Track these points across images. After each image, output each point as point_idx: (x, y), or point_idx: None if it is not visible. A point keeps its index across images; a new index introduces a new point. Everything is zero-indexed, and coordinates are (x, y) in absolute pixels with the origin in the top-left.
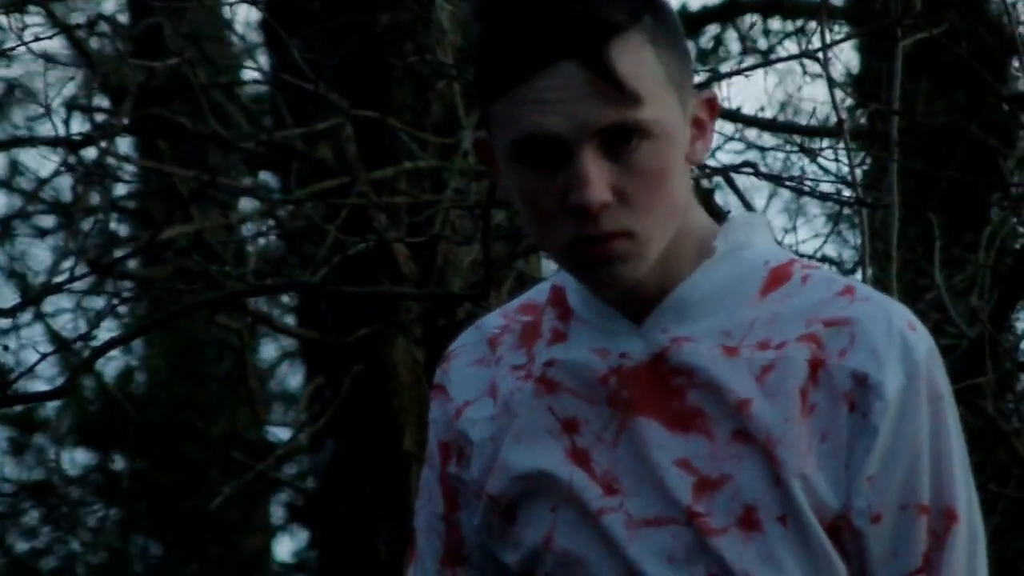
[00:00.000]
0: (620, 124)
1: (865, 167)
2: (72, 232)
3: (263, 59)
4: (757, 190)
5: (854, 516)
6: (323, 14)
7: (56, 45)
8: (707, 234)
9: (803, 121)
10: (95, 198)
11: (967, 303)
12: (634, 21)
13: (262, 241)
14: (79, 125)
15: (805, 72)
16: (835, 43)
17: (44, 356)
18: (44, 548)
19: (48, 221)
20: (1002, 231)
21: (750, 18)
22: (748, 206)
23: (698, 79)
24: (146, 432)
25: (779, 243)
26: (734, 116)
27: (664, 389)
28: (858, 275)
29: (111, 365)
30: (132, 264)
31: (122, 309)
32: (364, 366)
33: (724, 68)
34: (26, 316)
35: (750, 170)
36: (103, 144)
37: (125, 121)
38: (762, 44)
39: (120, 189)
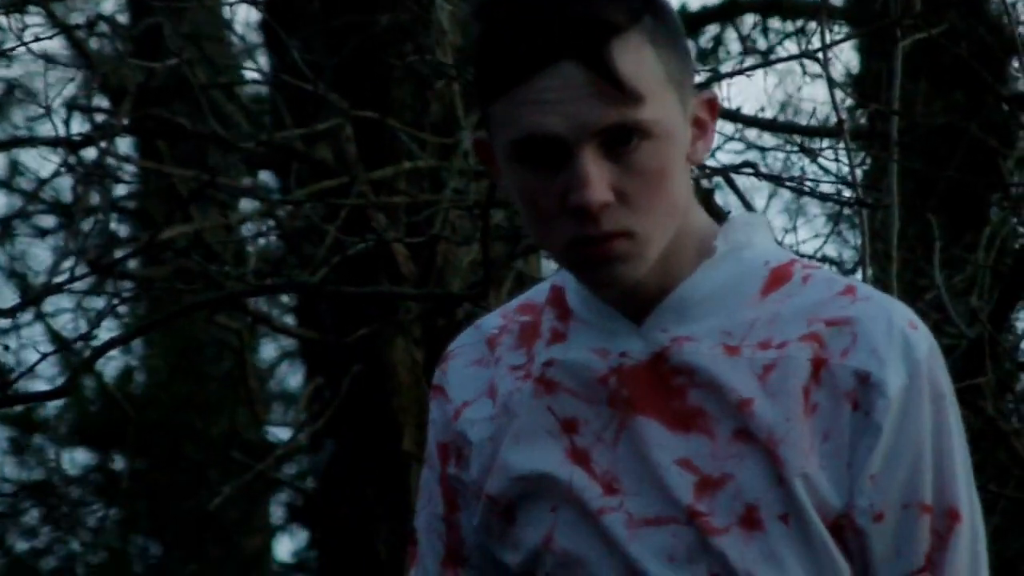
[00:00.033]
0: (620, 124)
1: (865, 167)
2: (72, 232)
3: (263, 59)
4: (757, 190)
5: (857, 515)
6: (323, 14)
7: (56, 45)
8: (707, 234)
9: (803, 121)
10: (95, 198)
11: (967, 303)
12: (634, 21)
13: (262, 241)
14: (79, 125)
15: (805, 72)
16: (835, 43)
17: (44, 356)
18: (44, 548)
19: (48, 221)
20: (1002, 231)
21: (750, 18)
22: (748, 206)
23: (698, 79)
24: (146, 432)
25: (779, 243)
26: (734, 116)
27: (664, 389)
28: (858, 275)
29: (111, 365)
30: (132, 264)
31: (122, 309)
32: (363, 366)
33: (724, 68)
34: (26, 316)
35: (750, 170)
36: (103, 144)
37: (125, 121)
38: (762, 44)
39: (120, 189)
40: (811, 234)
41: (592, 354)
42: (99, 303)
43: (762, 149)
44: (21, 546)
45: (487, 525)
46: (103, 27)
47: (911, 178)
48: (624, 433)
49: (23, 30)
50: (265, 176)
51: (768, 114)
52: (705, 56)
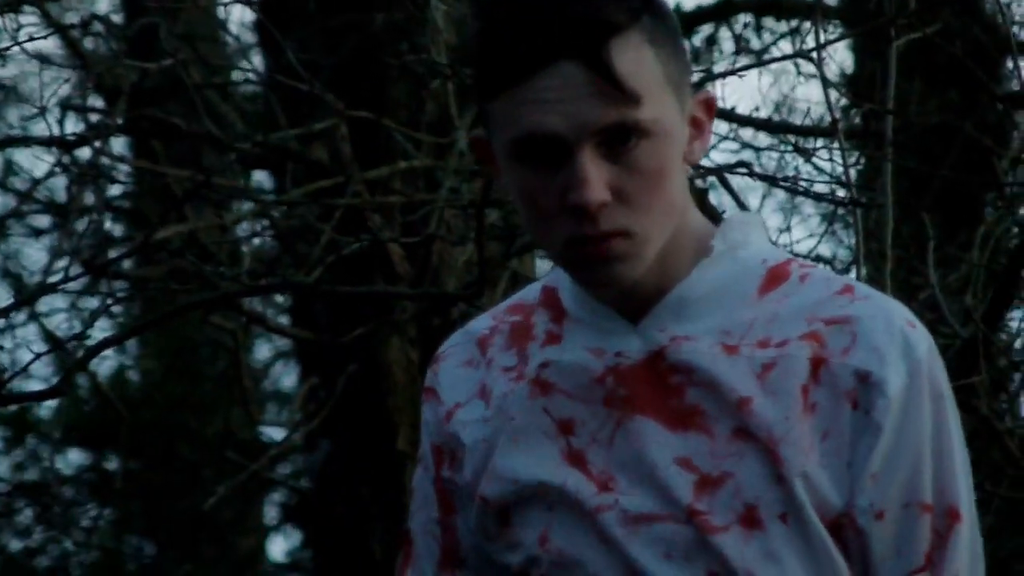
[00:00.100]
0: (619, 124)
1: (859, 167)
2: (66, 232)
3: (258, 59)
4: (752, 190)
5: (857, 514)
6: (318, 14)
7: (50, 45)
8: (704, 234)
9: (797, 121)
10: (89, 198)
11: (961, 302)
12: (633, 21)
13: (256, 241)
14: (73, 125)
15: (799, 72)
16: (829, 43)
17: (38, 356)
18: (38, 547)
19: (42, 221)
20: (996, 230)
21: (744, 18)
22: (742, 206)
23: (693, 79)
24: (140, 432)
25: (774, 243)
26: (729, 116)
27: (662, 388)
28: (852, 274)
29: (105, 365)
30: (126, 264)
31: (116, 309)
32: (359, 366)
33: (718, 68)
34: (20, 316)
35: (744, 170)
36: (97, 144)
37: (119, 121)
38: (756, 44)
39: (114, 189)
40: (805, 233)
41: (588, 354)
42: (93, 303)
43: (756, 149)
44: (15, 545)
45: (482, 527)
46: (97, 27)
47: (905, 177)
48: (620, 432)
49: (18, 30)
50: (260, 176)
51: (762, 114)
52: (699, 56)
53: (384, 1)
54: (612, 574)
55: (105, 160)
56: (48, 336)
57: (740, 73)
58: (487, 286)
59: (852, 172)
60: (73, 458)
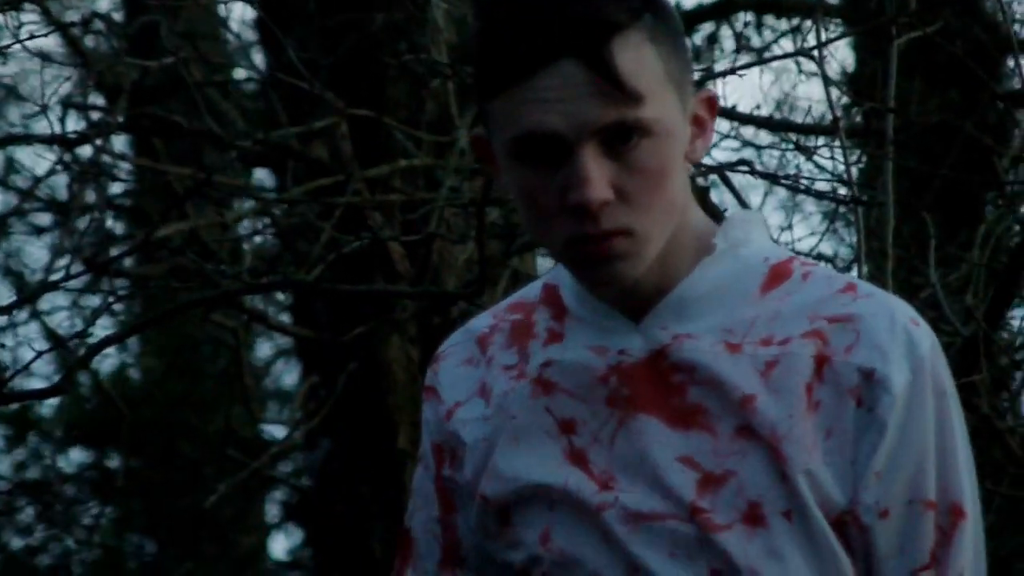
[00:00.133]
0: (620, 122)
1: (860, 165)
2: (68, 230)
3: (259, 58)
4: (753, 188)
5: (861, 512)
6: (318, 13)
7: (51, 43)
8: (705, 232)
9: (799, 119)
10: (91, 196)
11: (962, 301)
12: (634, 20)
13: (257, 239)
14: (74, 123)
15: (800, 70)
16: (830, 41)
17: (40, 354)
18: (39, 546)
19: (44, 219)
20: (997, 229)
21: (745, 16)
22: (744, 204)
23: (694, 77)
24: (141, 430)
25: (775, 241)
26: (730, 114)
27: (664, 386)
28: (854, 272)
29: (106, 363)
30: (128, 262)
31: (118, 307)
32: (359, 364)
33: (719, 66)
34: (22, 314)
35: (746, 168)
36: (98, 142)
37: (120, 119)
38: (757, 42)
39: (116, 187)
40: (807, 232)
41: (590, 352)
42: (95, 301)
43: (758, 147)
44: (16, 543)
45: (483, 526)
46: (99, 25)
47: (906, 176)
48: (622, 431)
49: (19, 27)
50: (261, 174)
51: (764, 112)
52: (700, 54)
53: (384, 0)
54: (614, 573)
55: (106, 158)
56: (49, 334)
57: (741, 71)
58: (487, 285)
59: (853, 170)
60: (74, 456)
